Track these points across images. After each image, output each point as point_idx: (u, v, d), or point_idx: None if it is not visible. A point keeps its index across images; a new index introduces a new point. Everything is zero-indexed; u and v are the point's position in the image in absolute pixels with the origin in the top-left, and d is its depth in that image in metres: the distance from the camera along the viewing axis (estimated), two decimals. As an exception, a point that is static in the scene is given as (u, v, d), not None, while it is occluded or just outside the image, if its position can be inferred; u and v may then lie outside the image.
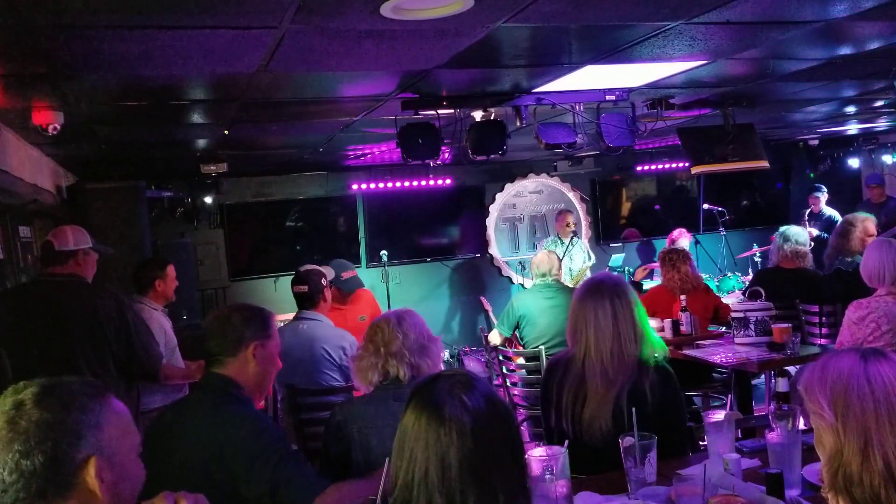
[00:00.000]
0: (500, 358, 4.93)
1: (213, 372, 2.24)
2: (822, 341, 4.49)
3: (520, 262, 8.82)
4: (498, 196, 9.17)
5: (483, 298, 8.37)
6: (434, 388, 1.46)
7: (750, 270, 7.88)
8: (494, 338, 5.27)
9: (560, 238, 7.97)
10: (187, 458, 2.07)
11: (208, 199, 7.90)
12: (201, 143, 5.65)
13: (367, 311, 4.79)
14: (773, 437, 2.20)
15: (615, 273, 7.98)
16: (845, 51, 3.99)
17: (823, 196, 8.39)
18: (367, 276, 8.58)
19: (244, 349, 2.22)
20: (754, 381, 5.20)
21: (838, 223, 5.59)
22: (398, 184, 8.45)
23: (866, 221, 5.12)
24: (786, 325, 4.37)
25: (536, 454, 2.08)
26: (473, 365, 7.98)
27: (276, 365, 2.34)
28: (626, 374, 2.53)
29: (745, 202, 10.19)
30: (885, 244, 3.71)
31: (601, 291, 2.61)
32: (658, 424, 2.29)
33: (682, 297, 5.07)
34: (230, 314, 2.28)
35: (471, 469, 1.37)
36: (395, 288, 8.33)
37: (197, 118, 4.54)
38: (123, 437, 1.38)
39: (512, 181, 9.19)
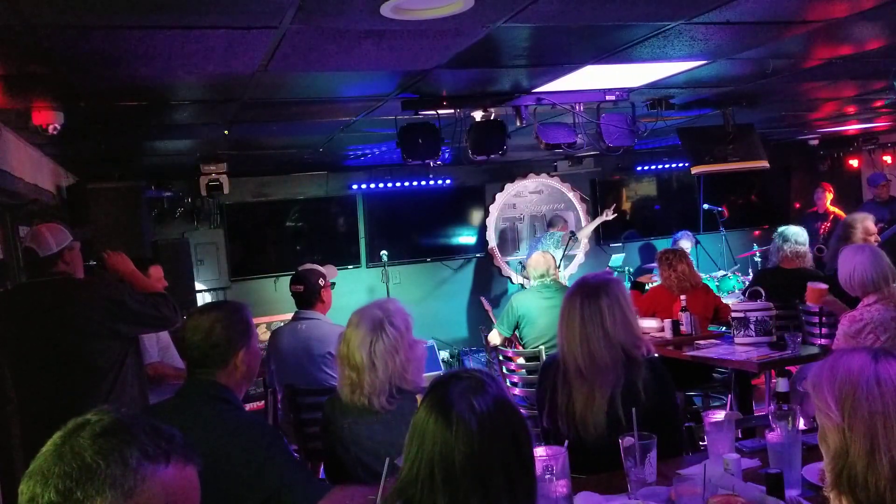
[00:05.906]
0: (500, 358, 4.93)
1: (202, 379, 2.18)
2: (822, 341, 4.48)
3: (520, 262, 8.80)
4: (498, 196, 9.16)
5: (483, 298, 8.37)
6: (447, 387, 1.45)
7: (750, 270, 7.87)
8: (494, 338, 5.27)
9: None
10: None
11: (208, 199, 7.89)
12: (202, 143, 5.65)
13: None
14: (773, 437, 2.20)
15: (615, 273, 8.00)
16: (845, 51, 3.99)
17: (828, 195, 8.36)
18: (367, 276, 8.61)
19: (232, 360, 2.18)
20: (754, 381, 5.20)
21: (838, 226, 5.58)
22: (398, 184, 8.44)
23: (865, 221, 5.11)
24: (822, 285, 4.31)
25: (536, 454, 2.08)
26: (473, 365, 7.98)
27: (258, 358, 2.31)
28: (603, 374, 2.51)
29: (745, 202, 10.18)
30: (856, 251, 3.68)
31: (576, 292, 2.61)
32: (653, 423, 2.28)
33: (682, 297, 5.07)
34: (212, 326, 2.18)
35: (475, 472, 1.36)
36: (395, 288, 8.32)
37: (197, 118, 4.54)
38: None
39: (512, 181, 9.17)
